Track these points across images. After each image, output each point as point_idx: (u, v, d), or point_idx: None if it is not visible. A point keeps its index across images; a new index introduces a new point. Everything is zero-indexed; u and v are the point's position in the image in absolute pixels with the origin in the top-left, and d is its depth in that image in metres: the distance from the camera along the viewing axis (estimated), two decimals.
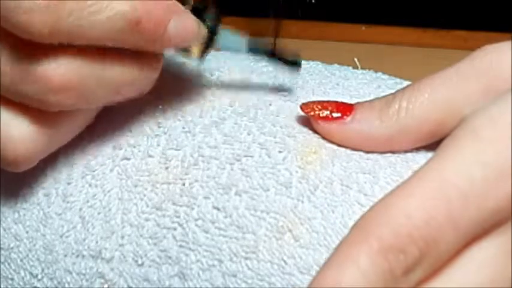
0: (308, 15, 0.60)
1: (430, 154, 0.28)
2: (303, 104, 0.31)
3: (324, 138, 0.30)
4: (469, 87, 0.29)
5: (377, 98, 0.30)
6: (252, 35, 0.31)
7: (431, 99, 0.29)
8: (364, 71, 0.35)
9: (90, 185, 0.31)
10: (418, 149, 0.30)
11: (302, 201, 0.29)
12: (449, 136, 0.27)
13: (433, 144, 0.29)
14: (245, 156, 0.30)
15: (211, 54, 0.36)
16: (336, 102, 0.31)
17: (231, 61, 0.35)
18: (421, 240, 0.25)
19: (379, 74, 0.35)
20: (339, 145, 0.30)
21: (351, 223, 0.27)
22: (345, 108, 0.30)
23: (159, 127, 0.32)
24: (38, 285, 0.31)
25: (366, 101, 0.31)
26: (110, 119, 0.32)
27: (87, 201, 0.31)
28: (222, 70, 0.34)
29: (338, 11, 0.62)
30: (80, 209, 0.31)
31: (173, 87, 0.33)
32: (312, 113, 0.30)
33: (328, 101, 0.31)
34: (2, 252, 0.31)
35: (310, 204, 0.29)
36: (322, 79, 0.34)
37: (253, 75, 0.33)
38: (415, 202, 0.25)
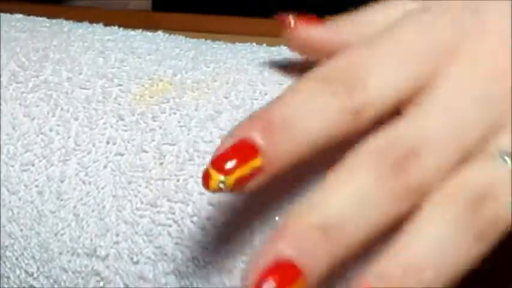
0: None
1: None
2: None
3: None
4: None
5: None
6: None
7: None
8: None
9: (83, 182, 0.30)
10: None
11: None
12: None
13: None
14: None
15: (207, 46, 0.35)
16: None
17: (227, 52, 0.34)
18: None
19: None
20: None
21: None
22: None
23: (154, 121, 0.31)
24: (34, 284, 0.30)
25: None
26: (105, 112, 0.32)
27: (81, 199, 0.30)
28: (217, 61, 0.33)
29: (338, 11, 0.61)
30: (74, 207, 0.30)
31: None
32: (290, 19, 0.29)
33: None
34: None
35: None
36: None
37: (250, 67, 0.33)
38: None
